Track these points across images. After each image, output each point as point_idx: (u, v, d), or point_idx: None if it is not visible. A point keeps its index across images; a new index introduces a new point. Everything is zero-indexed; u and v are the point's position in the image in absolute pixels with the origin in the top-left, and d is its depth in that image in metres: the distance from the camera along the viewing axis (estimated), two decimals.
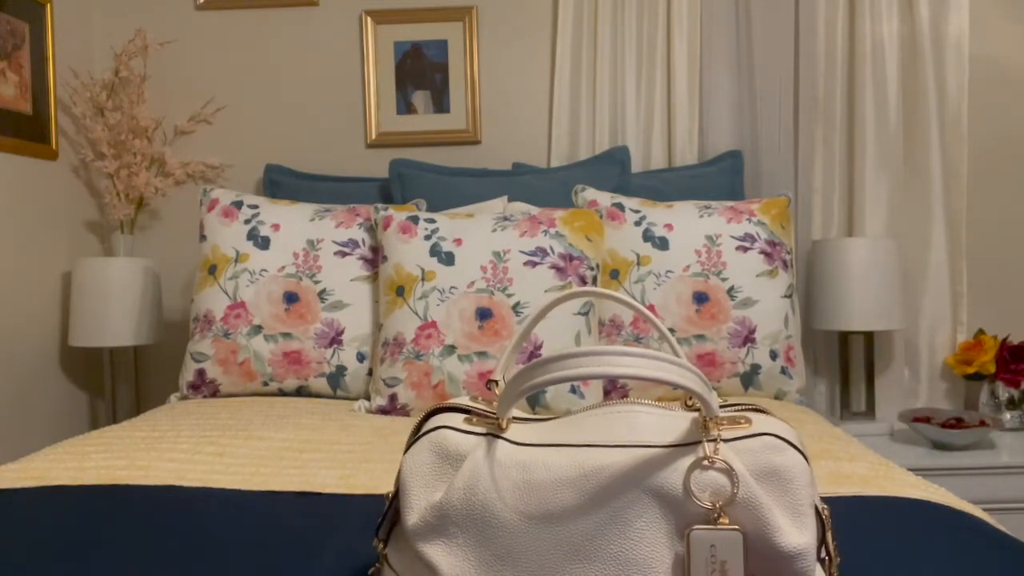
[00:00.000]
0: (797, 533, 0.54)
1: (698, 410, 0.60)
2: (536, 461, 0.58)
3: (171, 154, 2.35)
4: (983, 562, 0.81)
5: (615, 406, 0.61)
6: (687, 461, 0.55)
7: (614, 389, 1.74)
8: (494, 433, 0.60)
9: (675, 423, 0.59)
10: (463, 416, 0.63)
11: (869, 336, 2.15)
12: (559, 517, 0.55)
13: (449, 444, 0.61)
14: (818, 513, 0.58)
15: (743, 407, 0.61)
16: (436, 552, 0.58)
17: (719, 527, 0.53)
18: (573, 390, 1.60)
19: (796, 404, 1.74)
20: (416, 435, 0.64)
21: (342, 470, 1.18)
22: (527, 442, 0.59)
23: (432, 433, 0.62)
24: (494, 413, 0.62)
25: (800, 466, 0.56)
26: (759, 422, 0.59)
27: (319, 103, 2.38)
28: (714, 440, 0.56)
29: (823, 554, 0.59)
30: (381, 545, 0.65)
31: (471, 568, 0.56)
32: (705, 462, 0.55)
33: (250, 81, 2.39)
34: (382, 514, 0.65)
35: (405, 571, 0.61)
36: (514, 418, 0.63)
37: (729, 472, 0.54)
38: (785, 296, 1.78)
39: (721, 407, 0.60)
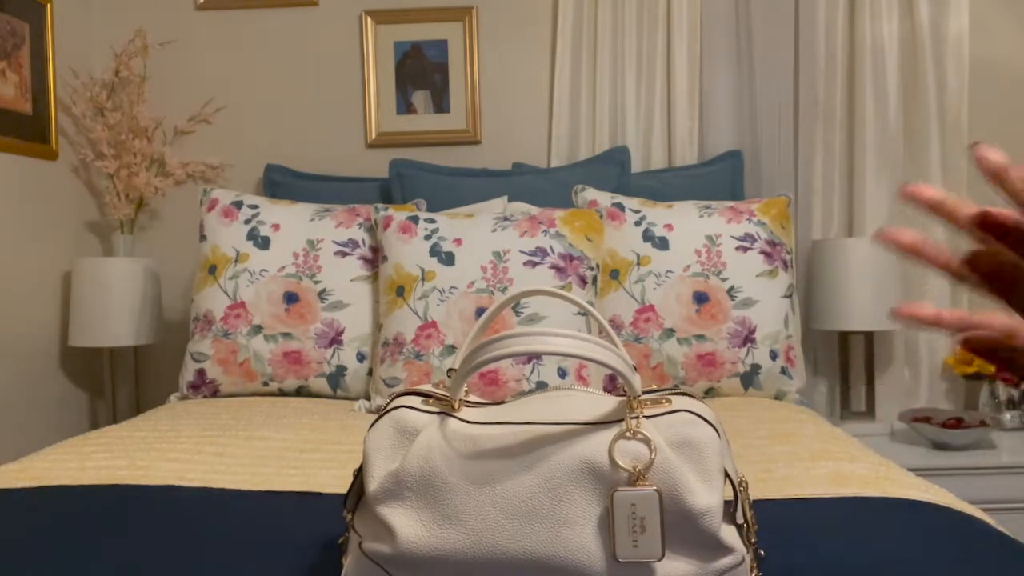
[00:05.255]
0: (706, 494, 0.62)
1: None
2: (481, 435, 0.65)
3: (171, 154, 2.35)
4: (983, 562, 0.81)
5: (556, 391, 0.71)
6: (612, 433, 0.63)
7: (614, 388, 1.74)
8: (447, 412, 0.69)
9: (605, 404, 0.67)
10: (421, 399, 0.71)
11: (869, 336, 2.15)
12: (500, 482, 0.63)
13: (407, 421, 0.69)
14: (734, 485, 0.66)
15: (668, 390, 0.69)
16: (393, 514, 0.65)
17: (638, 488, 0.60)
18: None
19: (796, 404, 1.74)
20: (380, 415, 0.72)
21: (342, 470, 1.18)
22: (475, 420, 0.68)
23: (393, 412, 0.70)
24: (448, 395, 0.70)
25: (711, 438, 0.64)
26: (679, 402, 0.67)
27: (319, 103, 2.38)
28: (636, 417, 0.64)
29: (740, 520, 0.66)
30: (349, 515, 0.71)
31: (423, 527, 0.64)
32: (627, 434, 0.62)
33: (250, 81, 2.39)
34: (349, 487, 0.72)
35: (368, 534, 0.68)
36: (467, 402, 0.71)
37: (648, 441, 0.62)
38: (785, 296, 1.78)
39: (648, 392, 0.69)
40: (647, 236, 1.81)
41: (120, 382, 2.27)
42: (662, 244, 1.80)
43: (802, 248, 2.23)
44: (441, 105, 2.35)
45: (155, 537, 0.90)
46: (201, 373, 1.81)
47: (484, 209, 2.02)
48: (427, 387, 0.73)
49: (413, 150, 2.36)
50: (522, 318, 1.65)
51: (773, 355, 1.75)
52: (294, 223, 1.88)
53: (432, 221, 1.79)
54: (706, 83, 2.25)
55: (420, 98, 2.35)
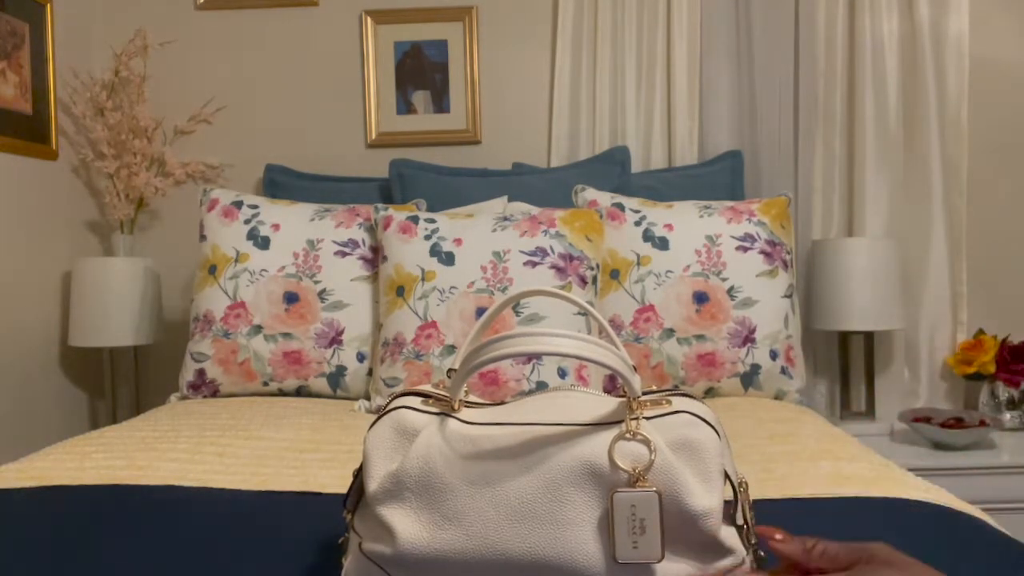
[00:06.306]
0: (706, 496, 0.62)
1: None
2: (481, 435, 0.65)
3: (171, 154, 2.35)
4: (983, 562, 0.81)
5: (556, 391, 0.71)
6: (611, 434, 0.63)
7: (614, 389, 1.74)
8: (446, 413, 0.69)
9: (606, 405, 0.67)
10: (421, 399, 0.71)
11: (869, 336, 2.15)
12: (500, 483, 0.63)
13: (407, 421, 0.69)
14: (734, 486, 0.66)
15: (668, 391, 0.69)
16: (393, 514, 0.65)
17: (638, 489, 0.60)
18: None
19: (796, 404, 1.74)
20: (380, 415, 0.73)
21: (342, 470, 1.18)
22: (475, 421, 0.67)
23: (392, 412, 0.70)
24: (448, 396, 0.70)
25: (711, 439, 0.64)
26: (679, 403, 0.67)
27: (319, 103, 2.38)
28: (636, 418, 0.63)
29: (740, 522, 0.66)
30: (349, 516, 0.72)
31: (423, 528, 0.64)
32: (627, 435, 0.62)
33: (250, 81, 2.38)
34: (350, 487, 0.72)
35: (368, 535, 0.68)
36: (467, 402, 0.71)
37: (647, 443, 0.62)
38: (785, 296, 1.78)
39: (648, 392, 0.69)
40: (647, 236, 1.81)
41: (120, 382, 2.27)
42: (662, 244, 1.80)
43: (802, 248, 2.22)
44: (441, 105, 2.35)
45: (155, 537, 0.90)
46: (201, 373, 1.81)
47: (484, 209, 2.02)
48: (427, 387, 0.73)
49: (413, 150, 2.36)
50: (522, 318, 1.65)
51: (773, 355, 1.75)
52: (294, 223, 1.88)
53: (432, 221, 1.79)
54: (706, 83, 2.25)
55: (420, 98, 2.35)
